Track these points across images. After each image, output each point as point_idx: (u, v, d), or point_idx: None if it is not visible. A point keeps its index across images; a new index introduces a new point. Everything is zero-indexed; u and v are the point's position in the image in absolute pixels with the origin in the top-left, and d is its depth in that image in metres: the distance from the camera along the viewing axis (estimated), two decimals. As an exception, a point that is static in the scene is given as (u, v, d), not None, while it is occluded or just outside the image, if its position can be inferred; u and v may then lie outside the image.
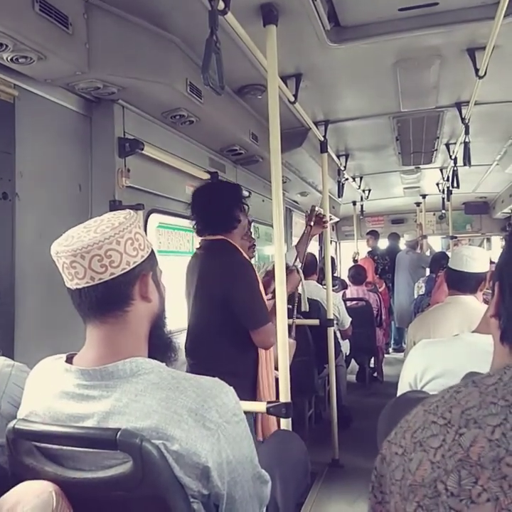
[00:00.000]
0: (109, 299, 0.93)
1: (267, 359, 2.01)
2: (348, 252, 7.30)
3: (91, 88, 1.98)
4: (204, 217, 2.00)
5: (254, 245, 2.67)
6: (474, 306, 1.89)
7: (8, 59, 1.60)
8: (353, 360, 4.89)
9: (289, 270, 2.34)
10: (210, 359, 1.88)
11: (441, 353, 1.36)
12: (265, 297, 2.04)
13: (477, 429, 0.43)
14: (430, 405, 0.50)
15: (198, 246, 2.12)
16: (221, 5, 1.59)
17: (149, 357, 0.97)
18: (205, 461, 0.85)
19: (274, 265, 1.86)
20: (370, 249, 6.83)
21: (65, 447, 0.91)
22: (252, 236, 2.64)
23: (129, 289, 0.94)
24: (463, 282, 1.97)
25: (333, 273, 5.19)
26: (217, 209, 1.97)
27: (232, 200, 2.01)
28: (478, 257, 1.95)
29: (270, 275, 2.58)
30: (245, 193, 2.15)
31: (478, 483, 0.40)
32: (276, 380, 1.84)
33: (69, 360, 0.98)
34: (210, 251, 1.99)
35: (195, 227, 2.04)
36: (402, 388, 1.43)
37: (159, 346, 1.02)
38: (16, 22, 1.49)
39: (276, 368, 1.85)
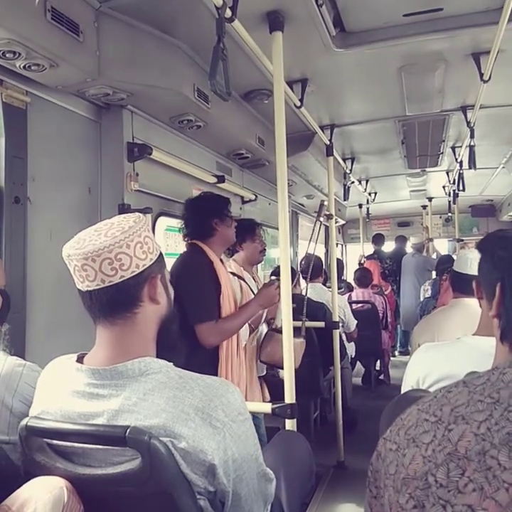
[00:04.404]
0: (118, 301, 0.95)
1: (232, 360, 2.06)
2: (354, 255, 7.29)
3: (101, 94, 2.01)
4: (187, 224, 2.23)
5: (265, 250, 2.72)
6: (478, 308, 1.89)
7: (21, 66, 1.64)
8: (358, 362, 4.89)
9: (269, 282, 2.26)
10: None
11: (443, 357, 1.37)
12: (231, 301, 2.09)
13: (465, 425, 0.46)
14: (423, 404, 0.52)
15: None
16: (228, 13, 1.62)
17: (157, 357, 0.99)
18: (211, 459, 0.87)
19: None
20: (371, 252, 6.81)
21: (75, 444, 0.93)
22: (264, 241, 2.71)
23: (138, 292, 0.96)
24: (467, 285, 1.98)
25: (340, 276, 5.20)
26: (195, 218, 2.20)
27: (210, 211, 2.19)
28: (483, 260, 1.96)
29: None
30: (231, 208, 2.30)
31: (464, 474, 0.43)
32: (282, 380, 1.86)
33: (80, 359, 1.00)
34: (180, 255, 2.20)
35: (182, 232, 2.26)
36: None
37: (167, 347, 1.04)
38: (29, 30, 1.52)
39: (282, 368, 1.86)
